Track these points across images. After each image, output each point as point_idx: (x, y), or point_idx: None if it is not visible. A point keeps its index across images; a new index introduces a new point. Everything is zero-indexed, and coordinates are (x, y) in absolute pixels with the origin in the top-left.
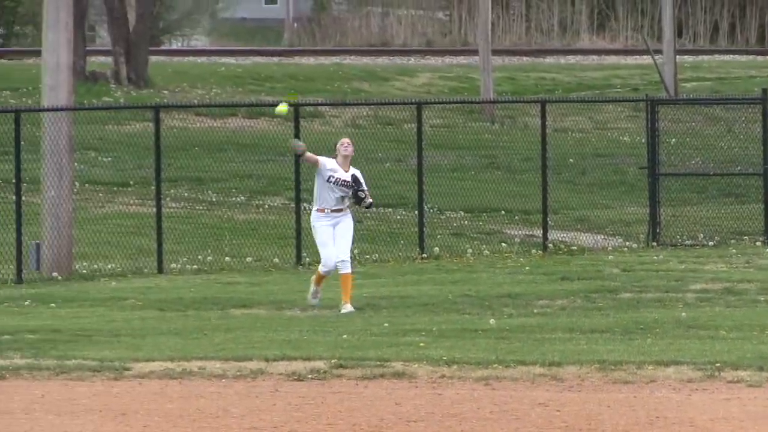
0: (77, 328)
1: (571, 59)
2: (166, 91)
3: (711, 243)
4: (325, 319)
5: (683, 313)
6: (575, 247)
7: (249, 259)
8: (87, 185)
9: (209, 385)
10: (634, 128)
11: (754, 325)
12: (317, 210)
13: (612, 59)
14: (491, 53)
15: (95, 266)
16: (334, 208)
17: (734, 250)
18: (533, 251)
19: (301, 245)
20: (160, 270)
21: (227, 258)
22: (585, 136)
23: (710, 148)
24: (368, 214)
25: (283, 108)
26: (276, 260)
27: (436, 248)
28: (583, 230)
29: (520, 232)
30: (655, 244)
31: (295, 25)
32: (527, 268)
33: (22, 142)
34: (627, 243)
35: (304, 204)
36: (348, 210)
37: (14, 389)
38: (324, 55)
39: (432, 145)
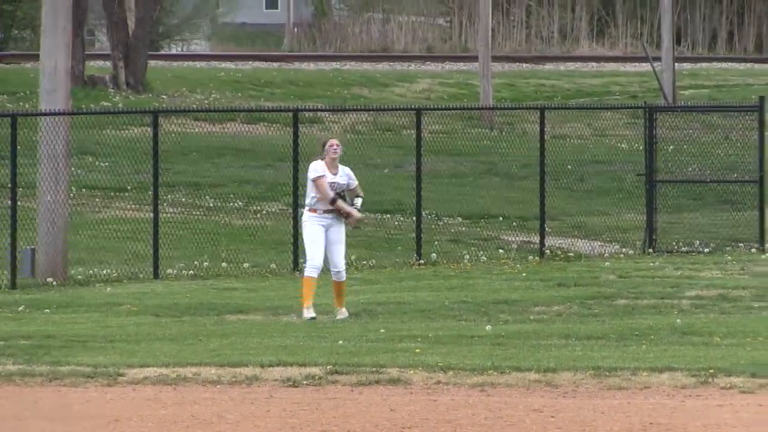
0: (71, 334)
1: (571, 66)
2: (164, 96)
3: (707, 250)
4: (321, 326)
5: (678, 320)
6: (572, 254)
7: (246, 264)
8: (84, 190)
9: (204, 391)
10: (633, 135)
11: (748, 331)
12: (309, 210)
13: (611, 66)
14: (491, 60)
15: (91, 271)
16: (326, 209)
17: (729, 257)
18: (530, 258)
19: (298, 251)
20: (156, 275)
21: (224, 264)
22: (583, 143)
23: (707, 155)
24: (365, 221)
25: None
26: (273, 266)
27: (434, 254)
28: (580, 237)
29: (517, 238)
30: (651, 250)
31: (296, 30)
32: (524, 274)
33: (19, 147)
34: (624, 250)
35: (302, 210)
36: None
37: (6, 396)
38: (324, 60)
39: (431, 151)
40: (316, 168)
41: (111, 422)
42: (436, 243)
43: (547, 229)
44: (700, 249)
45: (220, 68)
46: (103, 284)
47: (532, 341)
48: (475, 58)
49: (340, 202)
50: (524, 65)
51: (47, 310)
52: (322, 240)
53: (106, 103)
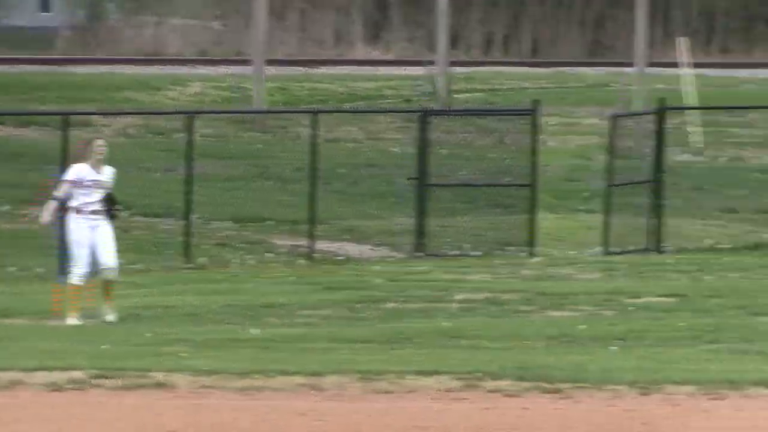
0: None
1: (345, 70)
2: None
3: (477, 253)
4: (87, 330)
5: (445, 323)
6: (342, 257)
7: (12, 268)
8: None
9: None
10: (406, 139)
11: (516, 335)
12: (74, 211)
13: (385, 70)
14: (265, 63)
15: None
16: (91, 209)
17: (499, 261)
18: (299, 261)
19: (65, 255)
20: None
21: None
22: (357, 147)
23: (481, 159)
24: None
25: None
26: (40, 270)
27: (202, 258)
28: (350, 240)
29: (287, 242)
30: (421, 254)
31: (68, 33)
32: (292, 278)
33: None
34: (393, 253)
35: (70, 214)
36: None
37: None
38: (96, 64)
39: (203, 154)
40: (74, 170)
41: None
42: (204, 247)
43: (317, 232)
44: (470, 253)
45: None
46: None
47: (298, 345)
48: (248, 62)
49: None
50: (298, 69)
51: None
52: (88, 243)
53: None
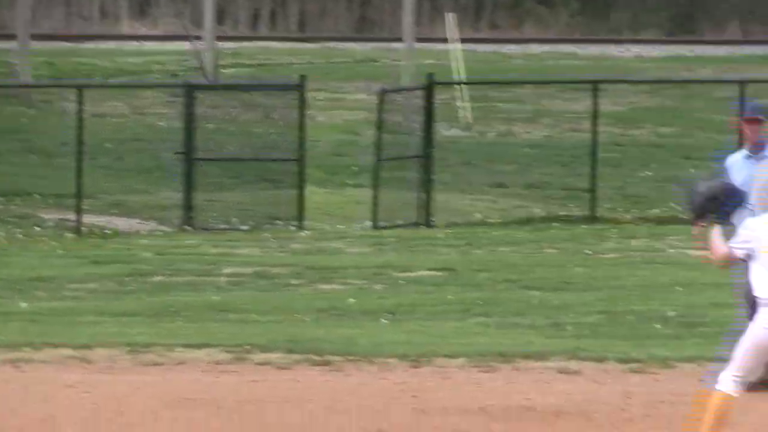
0: None
1: (111, 45)
2: None
3: (245, 228)
4: None
5: (214, 297)
6: (109, 231)
7: None
8: None
9: None
10: (173, 114)
11: (285, 308)
12: None
13: (152, 45)
14: (30, 37)
15: None
16: None
17: (268, 235)
18: (67, 235)
19: None
20: None
21: None
22: (123, 122)
23: (248, 133)
24: None
25: None
26: None
27: None
28: (118, 215)
29: (54, 216)
30: (188, 228)
31: None
32: (60, 251)
33: None
34: (161, 227)
35: None
36: None
37: None
38: None
39: None
40: None
41: None
42: None
43: (85, 207)
44: (239, 227)
45: None
46: None
47: (67, 318)
48: (13, 36)
49: None
50: (64, 44)
51: None
52: None
53: None
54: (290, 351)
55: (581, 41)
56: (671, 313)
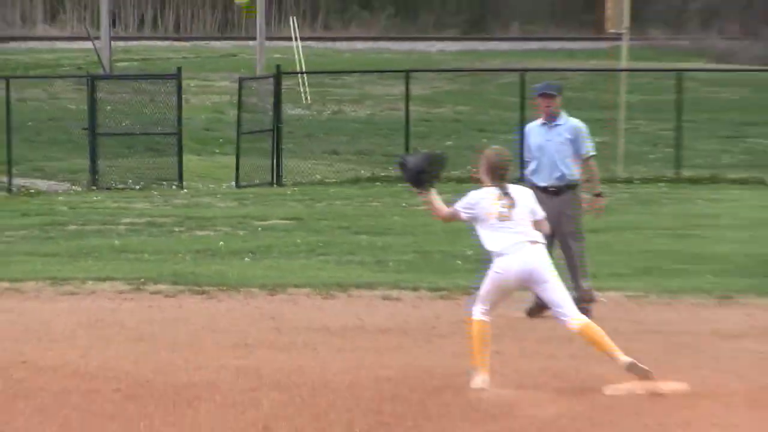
0: None
1: (30, 44)
2: None
3: (138, 187)
4: None
5: (116, 241)
6: (33, 191)
7: None
8: None
9: None
10: (80, 98)
11: (171, 250)
12: None
13: (62, 44)
14: None
15: None
16: None
17: (156, 193)
18: (1, 194)
19: None
20: None
21: None
22: (41, 105)
23: (138, 113)
24: None
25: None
26: None
27: None
28: (40, 177)
29: None
30: (95, 188)
31: None
32: None
33: None
34: (74, 187)
35: None
36: None
37: None
38: None
39: None
40: None
41: None
42: None
43: (14, 171)
44: (133, 186)
45: None
46: None
47: (2, 258)
48: None
49: None
50: None
51: None
52: None
53: None
54: (175, 283)
55: (396, 39)
56: (470, 252)
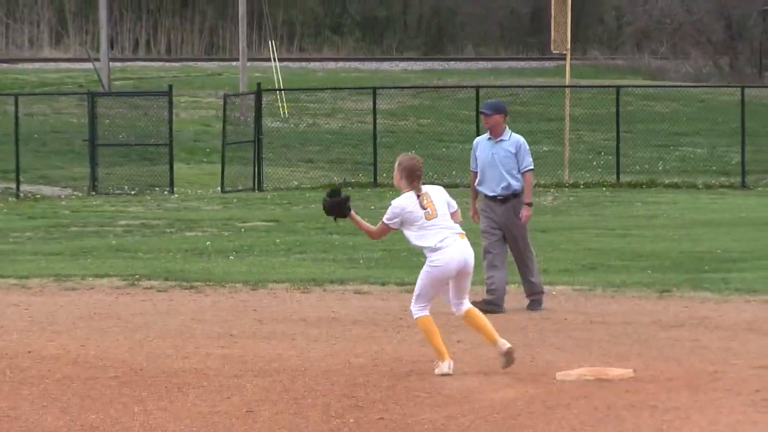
0: None
1: (37, 65)
2: None
3: (133, 192)
4: None
5: (113, 241)
6: (39, 196)
7: None
8: None
9: None
10: (81, 113)
11: (162, 249)
12: None
13: (66, 65)
14: None
15: None
16: None
17: (149, 198)
18: (9, 199)
19: None
20: None
21: None
22: (46, 119)
23: (133, 127)
24: None
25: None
26: None
27: None
28: (45, 184)
29: (0, 186)
30: (94, 193)
31: None
32: (5, 210)
33: None
34: (75, 193)
35: None
36: None
37: None
38: None
39: None
40: None
41: None
42: None
43: (21, 179)
44: (129, 192)
45: None
46: None
47: (11, 257)
48: None
49: None
50: (4, 65)
51: None
52: None
53: None
54: (166, 279)
55: (363, 59)
56: None
